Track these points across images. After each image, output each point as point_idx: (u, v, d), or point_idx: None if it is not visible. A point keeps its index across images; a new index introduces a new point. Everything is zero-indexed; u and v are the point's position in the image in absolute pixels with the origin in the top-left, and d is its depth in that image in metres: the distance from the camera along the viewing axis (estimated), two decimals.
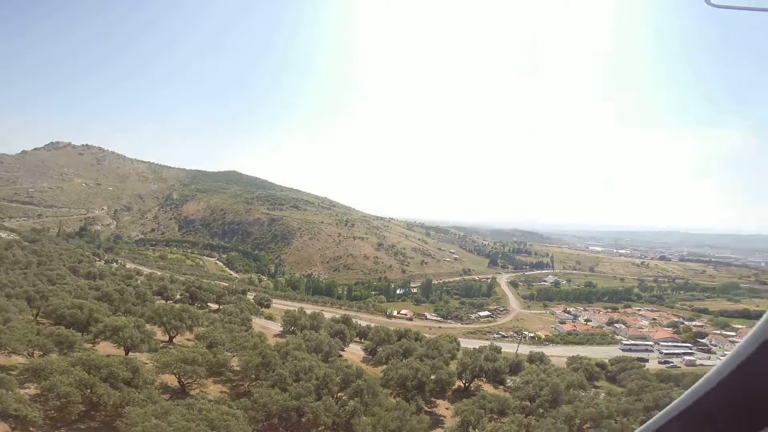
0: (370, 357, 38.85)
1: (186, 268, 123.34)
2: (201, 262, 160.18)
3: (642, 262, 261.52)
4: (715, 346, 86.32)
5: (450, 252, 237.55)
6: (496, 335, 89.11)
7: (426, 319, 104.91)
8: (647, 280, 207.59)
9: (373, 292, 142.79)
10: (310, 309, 72.44)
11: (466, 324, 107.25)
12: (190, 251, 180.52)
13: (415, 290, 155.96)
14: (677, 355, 75.57)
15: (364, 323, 57.37)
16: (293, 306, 78.92)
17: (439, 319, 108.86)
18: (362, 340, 45.64)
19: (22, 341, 16.17)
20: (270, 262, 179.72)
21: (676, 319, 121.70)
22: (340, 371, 24.98)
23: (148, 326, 24.48)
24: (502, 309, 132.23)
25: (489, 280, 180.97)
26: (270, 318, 54.71)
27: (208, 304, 50.03)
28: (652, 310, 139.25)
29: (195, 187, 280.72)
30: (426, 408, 26.77)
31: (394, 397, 25.72)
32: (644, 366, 49.27)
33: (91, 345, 21.19)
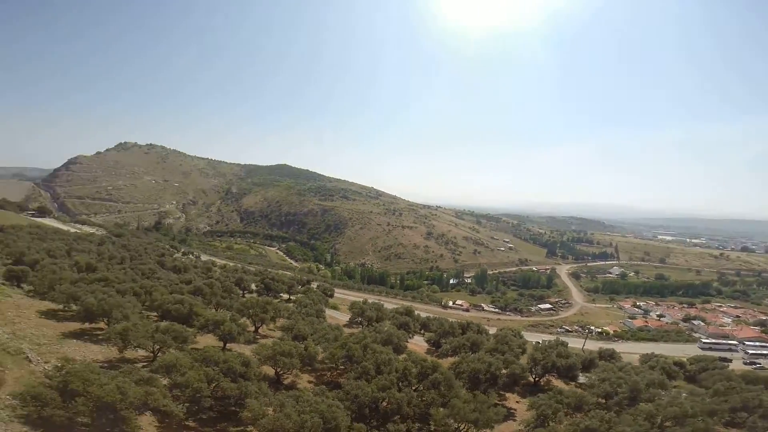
0: (434, 349, 38.93)
1: (251, 258, 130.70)
2: (263, 252, 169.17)
3: (721, 254, 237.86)
4: None
5: (504, 241, 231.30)
6: (559, 329, 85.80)
7: (483, 310, 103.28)
8: (728, 274, 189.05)
9: (426, 282, 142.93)
10: (367, 298, 74.41)
11: (526, 316, 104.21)
12: (252, 241, 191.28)
13: (469, 280, 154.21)
14: (766, 356, 68.34)
15: (423, 314, 57.57)
16: (352, 296, 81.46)
17: (496, 310, 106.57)
18: (422, 332, 45.96)
19: (146, 337, 17.87)
20: (326, 251, 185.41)
21: (764, 317, 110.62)
22: (417, 364, 25.53)
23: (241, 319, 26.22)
24: (564, 302, 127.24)
25: (548, 271, 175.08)
26: (335, 308, 56.56)
27: (280, 294, 52.71)
28: (735, 307, 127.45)
29: (251, 181, 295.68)
30: (496, 401, 26.78)
31: (467, 390, 25.88)
32: (727, 366, 45.32)
33: (194, 338, 22.88)
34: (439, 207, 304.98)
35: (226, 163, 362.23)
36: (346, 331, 37.59)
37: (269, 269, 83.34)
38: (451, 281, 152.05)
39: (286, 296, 53.16)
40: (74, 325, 21.40)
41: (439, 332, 40.99)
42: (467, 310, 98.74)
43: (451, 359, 33.22)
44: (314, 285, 70.98)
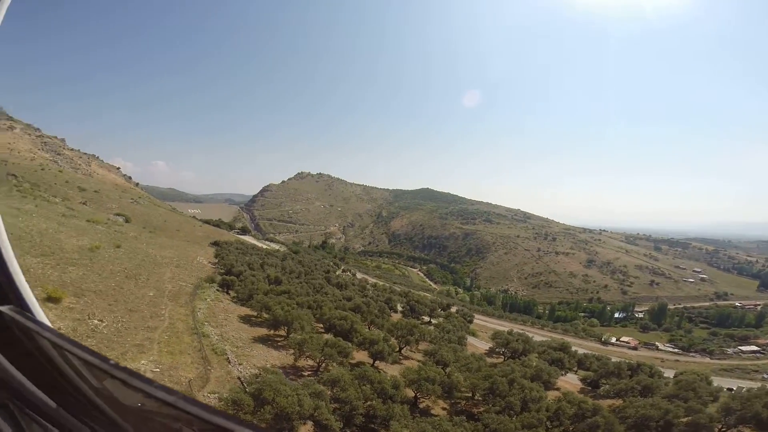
0: (590, 389, 35.59)
1: (396, 278, 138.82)
2: (406, 272, 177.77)
3: None
4: None
5: (694, 271, 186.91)
6: (766, 375, 65.08)
7: (657, 349, 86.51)
8: None
9: (582, 314, 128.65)
10: (509, 327, 70.01)
11: (718, 359, 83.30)
12: (397, 262, 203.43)
13: (640, 315, 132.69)
14: None
15: (580, 350, 51.98)
16: (492, 323, 78.26)
17: (676, 351, 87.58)
18: (576, 370, 42.21)
19: (317, 349, 20.81)
20: (465, 275, 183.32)
21: None
22: (573, 404, 23.21)
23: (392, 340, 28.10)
24: None
25: (759, 308, 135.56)
26: (473, 334, 55.22)
27: (422, 316, 54.25)
28: None
29: (398, 205, 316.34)
30: None
31: None
32: None
33: (352, 353, 25.31)
34: (604, 230, 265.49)
35: (378, 188, 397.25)
36: (488, 360, 36.63)
37: (412, 290, 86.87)
38: (616, 315, 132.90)
39: (427, 318, 54.44)
40: (262, 331, 26.35)
41: (600, 372, 37.26)
42: (635, 348, 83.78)
43: (610, 402, 30.21)
44: (453, 309, 70.96)
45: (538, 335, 64.37)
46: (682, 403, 26.42)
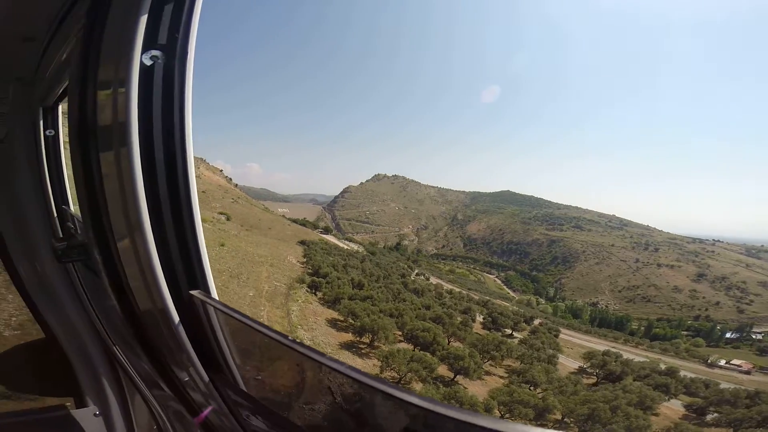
0: (695, 416, 32.20)
1: (470, 283, 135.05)
2: (482, 278, 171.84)
3: None
4: None
5: None
6: None
7: None
8: None
9: (684, 333, 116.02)
10: (597, 343, 63.77)
11: None
12: (472, 266, 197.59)
13: (758, 336, 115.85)
14: None
15: (687, 374, 46.29)
16: (578, 338, 72.21)
17: None
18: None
19: (403, 363, 20.90)
20: (549, 284, 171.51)
21: None
22: None
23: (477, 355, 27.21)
24: None
25: None
26: (558, 349, 51.30)
27: (504, 329, 51.77)
28: None
29: (475, 208, 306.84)
30: None
31: None
32: None
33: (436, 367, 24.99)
34: (718, 241, 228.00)
35: (453, 190, 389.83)
36: (584, 382, 33.97)
37: (489, 299, 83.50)
38: (728, 335, 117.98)
39: (509, 331, 51.76)
40: (348, 336, 27.29)
41: (712, 399, 33.71)
42: (748, 373, 71.17)
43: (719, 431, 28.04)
44: (536, 322, 66.74)
45: (632, 354, 59.42)
46: None
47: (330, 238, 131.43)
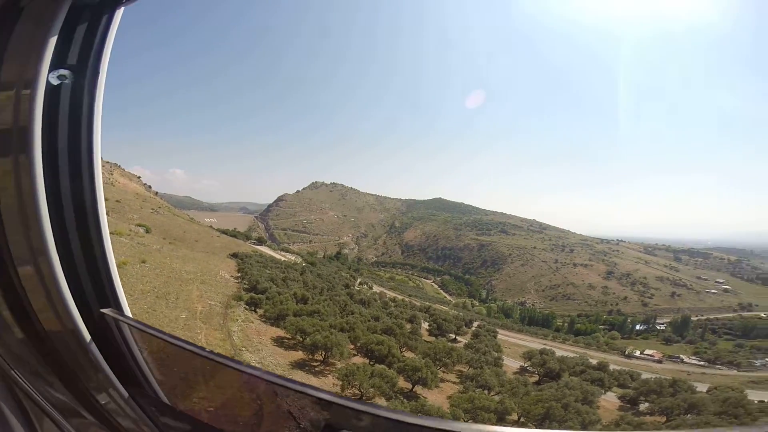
0: (629, 406, 34.67)
1: (410, 289, 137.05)
2: (420, 284, 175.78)
3: None
4: None
5: (717, 282, 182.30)
6: None
7: (682, 362, 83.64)
8: None
9: (602, 327, 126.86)
10: (529, 341, 68.37)
11: (746, 371, 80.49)
12: (411, 273, 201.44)
13: (662, 327, 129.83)
14: None
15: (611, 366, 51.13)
16: (513, 337, 76.63)
17: (702, 363, 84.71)
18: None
19: (364, 379, 19.45)
20: (481, 287, 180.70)
21: None
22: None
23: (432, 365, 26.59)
24: None
25: None
26: (500, 351, 53.55)
27: (448, 334, 52.48)
28: None
29: (411, 216, 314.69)
30: None
31: None
32: None
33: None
34: (621, 241, 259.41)
35: (390, 198, 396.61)
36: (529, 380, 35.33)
37: (432, 305, 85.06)
38: (637, 327, 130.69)
39: (452, 336, 52.67)
40: (298, 355, 25.25)
41: (641, 389, 36.17)
42: (659, 362, 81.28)
43: (652, 419, 29.70)
44: (475, 324, 69.41)
45: (560, 350, 63.66)
46: (734, 419, 25.93)
47: (265, 249, 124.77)
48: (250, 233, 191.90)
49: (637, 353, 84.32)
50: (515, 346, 62.81)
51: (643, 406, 32.82)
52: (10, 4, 0.98)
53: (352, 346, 29.36)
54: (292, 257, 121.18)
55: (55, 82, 0.84)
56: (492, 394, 26.97)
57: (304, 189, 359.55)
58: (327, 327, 27.72)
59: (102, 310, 1.03)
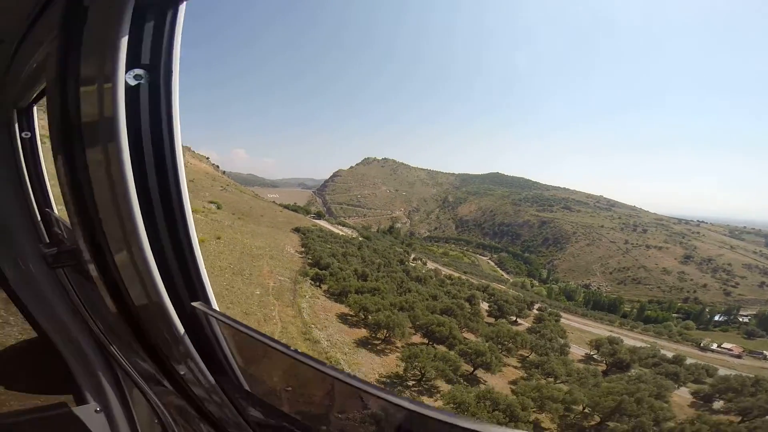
0: (702, 403, 31.97)
1: (465, 266, 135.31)
2: (475, 260, 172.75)
3: None
4: None
5: None
6: None
7: (765, 359, 74.29)
8: None
9: (675, 315, 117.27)
10: (594, 327, 64.73)
11: None
12: (465, 249, 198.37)
13: (746, 319, 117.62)
14: None
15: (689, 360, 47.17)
16: (575, 321, 72.83)
17: None
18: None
19: (428, 362, 19.59)
20: (541, 266, 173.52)
21: None
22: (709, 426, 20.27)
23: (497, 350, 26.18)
24: None
25: None
26: (565, 337, 51.40)
27: (509, 316, 51.23)
28: None
29: (465, 190, 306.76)
30: None
31: None
32: None
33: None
34: (702, 222, 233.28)
35: (443, 173, 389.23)
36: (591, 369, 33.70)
37: (489, 283, 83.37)
38: (716, 318, 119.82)
39: (513, 318, 51.31)
40: (361, 333, 25.99)
41: (719, 387, 33.23)
42: (739, 357, 73.19)
43: (727, 419, 26.48)
44: (536, 306, 67.01)
45: (628, 338, 60.03)
46: None
47: (323, 223, 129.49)
48: (309, 208, 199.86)
49: (714, 346, 76.36)
50: (578, 332, 60.11)
51: (718, 404, 30.21)
52: (74, 4, 1.01)
53: (410, 325, 29.80)
54: (348, 231, 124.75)
55: (132, 82, 0.88)
56: (558, 382, 26.11)
57: (357, 165, 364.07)
58: (387, 305, 28.23)
59: (193, 304, 1.12)
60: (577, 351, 43.76)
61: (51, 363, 2.47)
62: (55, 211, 2.34)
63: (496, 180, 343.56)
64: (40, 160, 2.36)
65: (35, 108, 2.27)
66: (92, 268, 1.26)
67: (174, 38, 0.93)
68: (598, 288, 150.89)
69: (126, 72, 0.87)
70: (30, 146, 2.33)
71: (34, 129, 2.32)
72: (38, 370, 2.63)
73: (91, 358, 2.52)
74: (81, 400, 2.51)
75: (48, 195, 2.40)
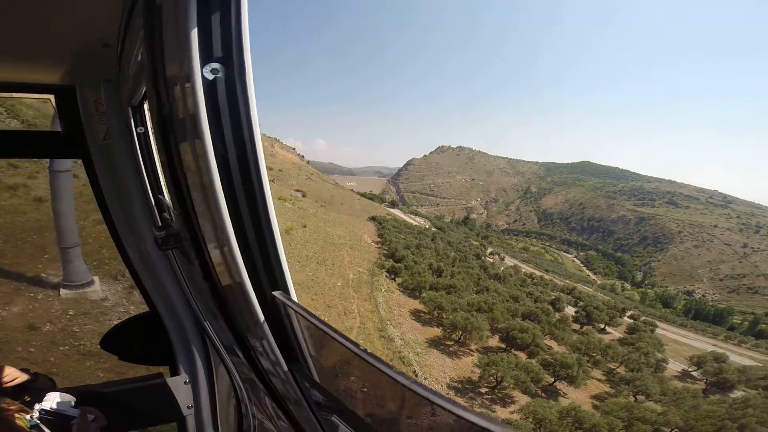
0: None
1: (546, 263, 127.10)
2: (558, 258, 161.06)
3: None
4: None
5: None
6: None
7: None
8: None
9: None
10: (694, 339, 57.93)
11: None
12: (548, 244, 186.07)
13: None
14: None
15: None
16: (671, 332, 64.12)
17: None
18: None
19: (508, 371, 18.76)
20: (635, 268, 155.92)
21: None
22: None
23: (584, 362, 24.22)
24: None
25: None
26: (662, 351, 45.83)
27: (598, 324, 47.04)
28: None
29: (551, 180, 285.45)
30: None
31: None
32: None
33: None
34: None
35: (525, 161, 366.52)
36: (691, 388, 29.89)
37: (575, 285, 77.18)
38: None
39: (601, 326, 46.85)
40: (434, 332, 25.79)
41: None
42: None
43: None
44: (628, 313, 60.74)
45: (734, 353, 53.58)
46: None
47: (396, 212, 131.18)
48: (384, 196, 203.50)
49: None
50: (674, 344, 53.50)
51: None
52: (149, 4, 1.04)
53: (488, 328, 28.79)
54: (421, 221, 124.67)
55: (209, 76, 0.91)
56: (650, 401, 23.57)
57: (431, 153, 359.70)
58: (464, 305, 27.61)
59: (273, 293, 1.19)
60: (672, 366, 38.77)
61: (157, 336, 2.77)
62: (167, 197, 2.54)
63: (586, 169, 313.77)
64: (153, 152, 2.59)
65: (145, 105, 2.46)
66: (191, 251, 1.38)
67: (242, 28, 0.94)
68: (703, 296, 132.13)
69: (202, 67, 0.90)
70: (144, 140, 2.59)
71: (146, 124, 2.55)
72: (147, 342, 2.90)
73: (189, 334, 2.82)
74: (175, 371, 2.81)
75: (161, 183, 2.64)
